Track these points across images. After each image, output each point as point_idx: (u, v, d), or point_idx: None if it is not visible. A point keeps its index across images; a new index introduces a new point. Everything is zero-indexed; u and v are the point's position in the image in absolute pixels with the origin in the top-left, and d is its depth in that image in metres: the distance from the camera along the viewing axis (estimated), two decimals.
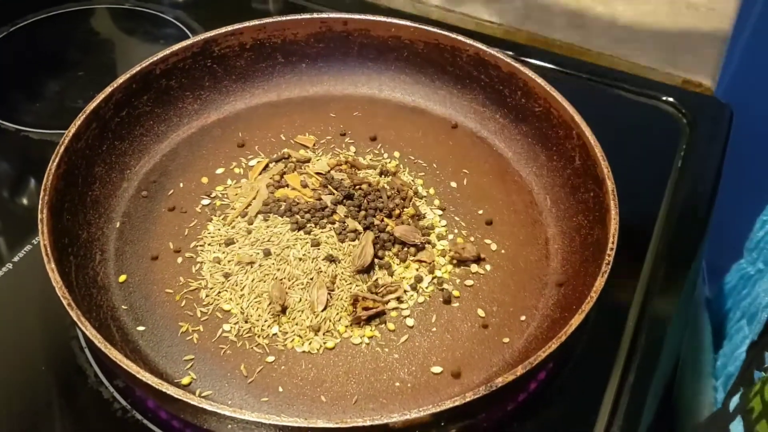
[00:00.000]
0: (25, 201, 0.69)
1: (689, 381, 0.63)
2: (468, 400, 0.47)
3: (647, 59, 0.84)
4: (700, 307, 0.70)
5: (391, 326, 0.58)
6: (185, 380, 0.54)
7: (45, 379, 0.56)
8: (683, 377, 0.60)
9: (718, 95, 0.81)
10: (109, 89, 0.64)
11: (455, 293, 0.60)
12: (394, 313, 0.58)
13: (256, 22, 0.71)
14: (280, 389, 0.54)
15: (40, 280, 0.60)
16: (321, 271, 0.59)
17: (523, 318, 0.59)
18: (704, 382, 0.66)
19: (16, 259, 0.63)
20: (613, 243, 0.55)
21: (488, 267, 0.62)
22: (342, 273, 0.59)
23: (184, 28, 0.85)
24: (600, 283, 0.53)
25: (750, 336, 0.61)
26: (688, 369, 0.62)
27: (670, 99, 0.79)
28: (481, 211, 0.66)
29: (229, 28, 0.71)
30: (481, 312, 0.59)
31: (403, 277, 0.60)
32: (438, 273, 0.61)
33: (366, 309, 0.57)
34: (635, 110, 0.79)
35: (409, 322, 0.58)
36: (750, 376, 0.51)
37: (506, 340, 0.57)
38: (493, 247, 0.63)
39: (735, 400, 0.50)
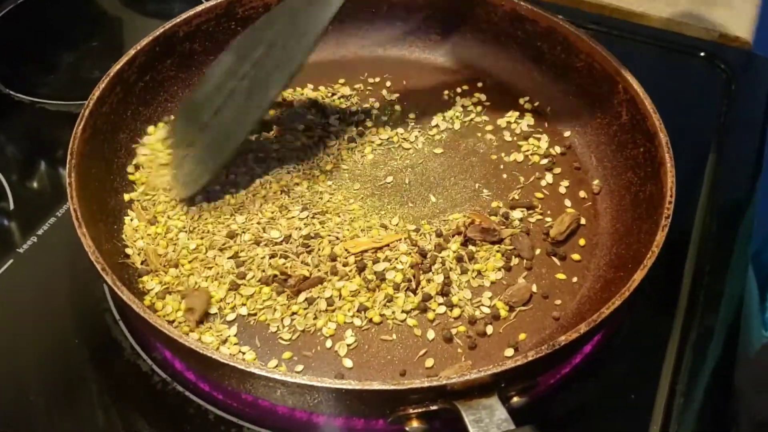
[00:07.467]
0: (44, 174, 0.67)
1: (748, 332, 0.61)
2: (531, 359, 0.45)
3: (681, 15, 0.81)
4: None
5: None
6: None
7: (80, 354, 0.53)
8: (745, 328, 0.58)
9: (756, 49, 0.78)
10: (132, 51, 0.61)
11: None
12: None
13: None
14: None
15: (66, 253, 0.58)
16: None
17: (574, 280, 0.56)
18: (756, 334, 0.64)
19: (40, 232, 0.60)
20: (671, 196, 0.53)
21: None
22: None
23: None
24: (661, 237, 0.51)
25: None
26: (746, 321, 0.60)
27: (708, 54, 0.76)
28: None
29: None
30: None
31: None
32: None
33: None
34: (672, 67, 0.76)
35: None
36: None
37: (558, 302, 0.55)
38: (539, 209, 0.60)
39: None
